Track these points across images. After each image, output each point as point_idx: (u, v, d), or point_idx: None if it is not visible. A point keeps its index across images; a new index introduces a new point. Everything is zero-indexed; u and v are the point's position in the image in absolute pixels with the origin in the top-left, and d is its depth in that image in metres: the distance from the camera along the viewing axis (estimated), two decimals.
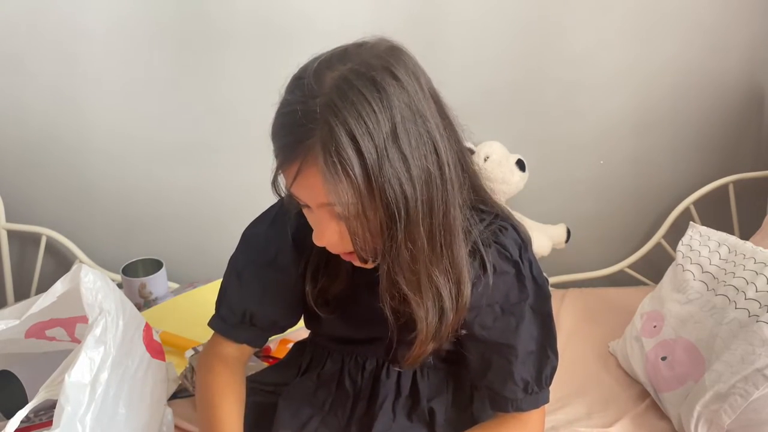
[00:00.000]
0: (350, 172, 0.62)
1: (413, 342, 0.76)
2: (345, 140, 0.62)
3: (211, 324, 0.90)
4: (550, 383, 0.83)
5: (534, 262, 0.81)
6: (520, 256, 0.79)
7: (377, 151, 0.63)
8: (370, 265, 0.73)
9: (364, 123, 0.62)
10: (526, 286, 0.79)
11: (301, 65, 0.69)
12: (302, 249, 0.82)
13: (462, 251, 0.73)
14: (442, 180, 0.68)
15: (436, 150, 0.67)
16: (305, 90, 0.64)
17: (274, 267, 0.84)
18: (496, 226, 0.79)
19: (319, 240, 0.70)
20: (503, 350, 0.80)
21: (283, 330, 0.90)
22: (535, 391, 0.81)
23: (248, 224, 0.89)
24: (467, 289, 0.74)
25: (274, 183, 0.71)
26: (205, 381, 0.87)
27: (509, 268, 0.78)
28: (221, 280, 1.41)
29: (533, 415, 0.83)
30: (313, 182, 0.64)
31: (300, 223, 0.82)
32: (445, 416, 0.86)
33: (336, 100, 0.62)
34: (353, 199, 0.64)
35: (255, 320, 0.86)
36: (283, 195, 0.73)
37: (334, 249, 0.72)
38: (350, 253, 0.72)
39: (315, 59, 0.68)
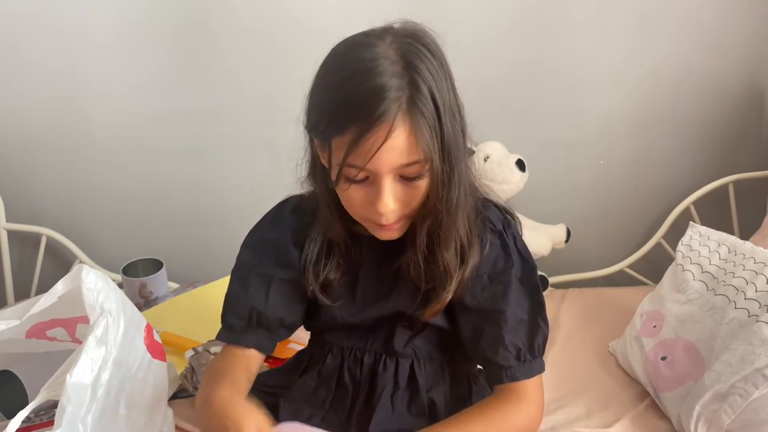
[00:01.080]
0: (433, 124, 0.70)
1: (424, 306, 0.82)
2: (428, 95, 0.69)
3: (219, 336, 0.88)
4: (543, 352, 0.85)
5: (518, 237, 0.86)
6: (504, 229, 0.84)
7: (444, 105, 0.71)
8: (396, 235, 0.78)
9: (434, 80, 0.70)
10: (511, 256, 0.84)
11: (332, 50, 0.74)
12: (301, 245, 0.85)
13: (470, 203, 0.80)
14: (464, 132, 0.76)
15: (458, 105, 0.75)
16: (370, 60, 0.69)
17: (277, 265, 0.86)
18: (481, 202, 0.84)
19: (384, 208, 0.72)
20: (493, 316, 0.82)
21: (290, 330, 0.90)
22: (528, 359, 0.83)
23: (245, 237, 0.90)
24: (476, 240, 0.81)
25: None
26: (207, 397, 0.79)
27: (494, 239, 0.83)
28: (220, 281, 1.40)
29: (529, 386, 0.83)
30: (400, 142, 0.69)
31: (296, 221, 0.86)
32: (445, 407, 0.87)
33: (413, 60, 0.69)
34: (434, 151, 0.70)
35: (262, 319, 0.86)
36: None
37: (392, 215, 0.74)
38: (387, 226, 0.76)
39: (355, 38, 0.73)
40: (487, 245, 0.82)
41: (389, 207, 0.73)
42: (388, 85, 0.67)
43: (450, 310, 0.84)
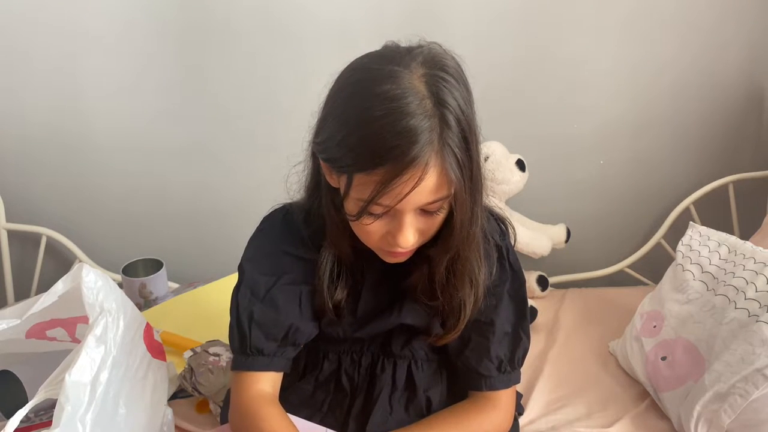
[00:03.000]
0: (462, 158, 0.68)
1: (428, 329, 0.83)
2: (457, 131, 0.67)
3: (243, 365, 0.82)
4: (522, 364, 0.87)
5: (511, 249, 0.86)
6: (501, 242, 0.84)
7: (470, 133, 0.69)
8: (404, 260, 0.77)
9: (462, 112, 0.68)
10: (507, 270, 0.84)
11: (351, 75, 0.70)
12: (315, 258, 0.82)
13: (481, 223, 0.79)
14: (479, 143, 0.73)
15: (473, 113, 0.72)
16: (399, 98, 0.65)
17: (302, 279, 0.83)
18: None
19: (405, 242, 0.72)
20: (482, 328, 0.83)
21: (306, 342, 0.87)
22: (508, 370, 0.85)
23: (247, 251, 0.86)
24: (484, 262, 0.80)
25: (364, 208, 0.69)
26: (258, 420, 0.78)
27: (493, 252, 0.82)
28: (220, 281, 1.39)
29: (504, 395, 0.85)
30: (430, 183, 0.67)
31: (310, 232, 0.83)
32: (443, 407, 0.87)
33: (443, 96, 0.67)
34: (462, 185, 0.69)
35: (297, 336, 0.82)
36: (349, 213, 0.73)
37: (412, 246, 0.74)
38: (399, 253, 0.75)
39: (377, 64, 0.69)
40: (493, 264, 0.82)
41: (410, 242, 0.72)
42: (420, 127, 0.65)
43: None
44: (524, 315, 0.85)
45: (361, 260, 0.82)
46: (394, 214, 0.71)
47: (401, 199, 0.67)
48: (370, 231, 0.73)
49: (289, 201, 0.86)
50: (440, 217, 0.73)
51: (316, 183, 0.81)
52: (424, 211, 0.72)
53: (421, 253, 0.79)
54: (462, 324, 0.81)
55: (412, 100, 0.65)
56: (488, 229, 0.82)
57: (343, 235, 0.79)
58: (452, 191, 0.69)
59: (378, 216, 0.71)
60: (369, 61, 0.71)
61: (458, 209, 0.71)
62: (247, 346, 0.81)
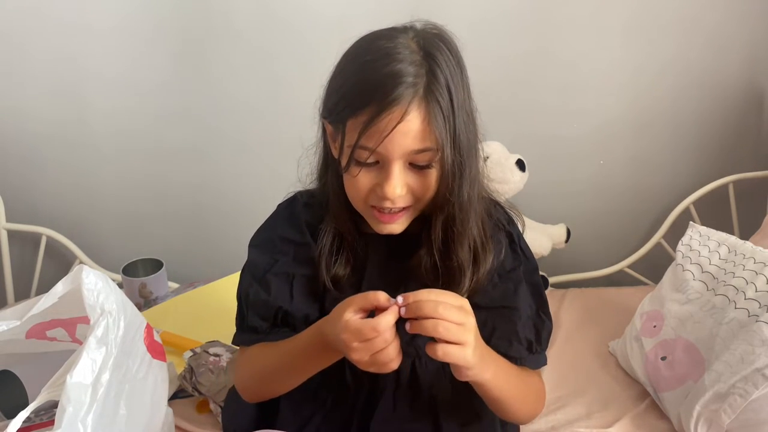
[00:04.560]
0: (447, 115, 0.71)
1: None
2: (445, 87, 0.71)
3: (242, 340, 0.88)
4: (547, 346, 0.88)
5: (521, 235, 0.88)
6: (511, 227, 0.86)
7: (458, 101, 0.73)
8: (398, 229, 0.79)
9: (451, 76, 0.72)
10: (519, 255, 0.86)
11: (354, 42, 0.76)
12: (315, 238, 0.84)
13: (483, 205, 0.81)
14: (475, 126, 0.77)
15: (472, 109, 0.77)
16: (391, 48, 0.72)
17: (297, 262, 0.85)
18: (491, 204, 0.86)
19: (392, 192, 0.74)
20: (506, 313, 0.84)
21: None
22: (538, 350, 0.86)
23: (253, 236, 0.90)
24: (490, 242, 0.82)
25: (351, 154, 0.73)
26: (250, 359, 0.87)
27: (503, 238, 0.84)
28: (220, 281, 1.40)
29: (536, 374, 0.88)
30: (414, 126, 0.71)
31: (310, 215, 0.86)
32: (447, 405, 0.87)
33: (433, 52, 0.72)
34: (446, 141, 0.72)
35: (288, 319, 0.85)
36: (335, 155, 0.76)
37: (400, 200, 0.75)
38: (389, 217, 0.77)
39: (378, 31, 0.76)
40: (502, 249, 0.83)
41: (397, 191, 0.74)
42: (406, 71, 0.70)
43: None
44: (543, 297, 0.87)
45: (364, 240, 0.84)
46: (382, 166, 0.74)
47: (384, 137, 0.70)
48: (359, 184, 0.75)
49: (301, 189, 0.89)
50: (430, 173, 0.75)
51: (325, 163, 0.84)
52: (414, 167, 0.74)
53: (421, 230, 0.80)
54: (461, 292, 0.80)
55: (403, 50, 0.72)
56: (495, 214, 0.84)
57: (343, 208, 0.81)
58: (438, 145, 0.72)
59: (364, 164, 0.74)
60: (373, 31, 0.77)
61: (442, 162, 0.73)
62: (244, 324, 0.87)
